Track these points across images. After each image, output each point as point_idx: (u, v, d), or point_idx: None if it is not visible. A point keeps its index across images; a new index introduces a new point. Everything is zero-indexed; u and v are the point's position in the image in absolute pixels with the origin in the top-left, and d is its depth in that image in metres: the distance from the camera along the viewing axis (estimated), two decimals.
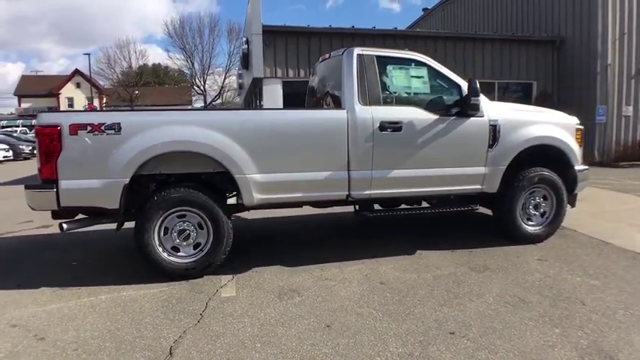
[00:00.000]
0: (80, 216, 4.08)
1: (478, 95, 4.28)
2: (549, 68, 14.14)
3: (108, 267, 4.47)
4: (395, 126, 4.31)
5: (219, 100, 44.21)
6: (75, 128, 3.71)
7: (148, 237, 3.90)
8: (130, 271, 4.21)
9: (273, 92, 12.54)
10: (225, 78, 43.68)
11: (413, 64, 4.55)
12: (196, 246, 4.08)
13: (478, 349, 2.77)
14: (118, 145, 3.76)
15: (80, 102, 48.04)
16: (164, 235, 3.99)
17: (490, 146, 4.62)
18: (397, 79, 4.46)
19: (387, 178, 4.37)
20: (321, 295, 3.67)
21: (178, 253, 4.04)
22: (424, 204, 5.17)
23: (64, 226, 3.85)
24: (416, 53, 4.65)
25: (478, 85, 4.29)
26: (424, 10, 24.94)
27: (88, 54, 62.13)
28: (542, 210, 4.97)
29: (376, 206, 4.81)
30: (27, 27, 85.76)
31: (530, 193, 4.91)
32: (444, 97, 4.54)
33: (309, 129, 4.18)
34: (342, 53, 4.51)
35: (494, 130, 4.61)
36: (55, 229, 4.33)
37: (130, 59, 46.03)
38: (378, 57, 4.45)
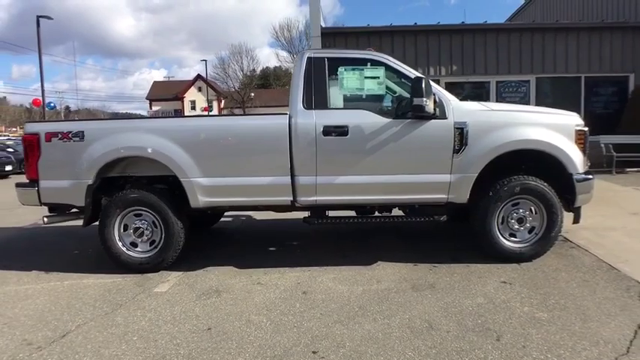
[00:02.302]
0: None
1: (422, 96, 3.87)
2: None
3: (99, 258, 5.02)
4: (340, 130, 4.14)
5: None
6: (49, 136, 4.32)
7: (107, 232, 4.36)
8: (110, 263, 4.70)
9: None
10: None
11: (369, 64, 4.31)
12: (152, 243, 4.44)
13: None
14: (82, 151, 4.29)
15: (201, 105, 53.52)
16: (124, 231, 4.43)
17: (456, 152, 4.16)
18: (349, 80, 4.26)
19: (334, 184, 4.23)
20: (237, 298, 3.74)
21: (136, 249, 4.44)
22: (400, 212, 4.84)
23: (45, 219, 4.52)
24: (375, 52, 4.40)
25: (424, 85, 3.88)
26: None
27: (205, 60, 68.46)
28: (528, 225, 4.31)
29: (352, 213, 4.69)
30: (169, 37, 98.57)
31: (514, 204, 4.30)
32: (401, 99, 4.22)
33: (252, 135, 4.24)
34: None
35: (462, 134, 4.14)
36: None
37: (242, 63, 49.96)
38: (330, 59, 4.32)
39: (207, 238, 5.80)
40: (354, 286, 3.92)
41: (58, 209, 4.64)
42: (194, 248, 5.23)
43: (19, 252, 5.49)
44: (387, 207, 4.70)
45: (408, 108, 4.09)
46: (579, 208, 4.41)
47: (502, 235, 4.32)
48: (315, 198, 4.27)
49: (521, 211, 4.29)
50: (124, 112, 70.16)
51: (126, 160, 4.39)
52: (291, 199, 4.28)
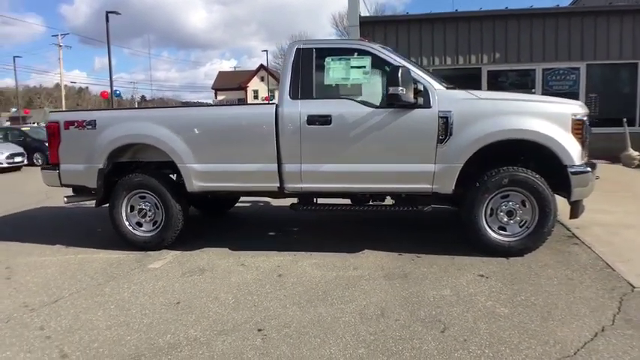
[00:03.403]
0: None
1: (398, 85, 3.81)
2: None
3: (115, 236, 5.44)
4: (323, 119, 4.21)
5: None
6: (67, 124, 4.81)
7: (116, 212, 4.79)
8: (120, 240, 5.16)
9: None
10: None
11: (355, 53, 4.32)
12: (154, 223, 4.81)
13: (276, 346, 2.76)
14: (94, 138, 4.72)
15: (263, 94, 54.98)
16: (130, 212, 4.83)
17: (440, 141, 4.07)
18: (335, 71, 4.30)
19: (318, 172, 4.32)
20: (217, 277, 3.98)
21: (141, 228, 4.83)
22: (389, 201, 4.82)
23: (65, 199, 5.05)
24: (363, 42, 4.39)
25: (401, 74, 3.82)
26: None
27: (266, 50, 69.89)
28: (518, 218, 4.13)
29: (347, 201, 4.76)
30: (240, 28, 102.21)
31: (503, 197, 4.13)
32: (383, 88, 4.19)
33: (241, 123, 4.44)
34: None
35: (446, 123, 4.04)
36: None
37: None
38: (318, 49, 4.38)
39: (218, 222, 6.13)
40: (329, 271, 4.01)
41: (79, 191, 5.16)
42: (200, 230, 5.59)
43: (52, 229, 6.11)
44: (379, 196, 4.70)
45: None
46: (578, 202, 4.15)
47: (490, 228, 4.18)
48: (300, 185, 4.39)
49: (510, 203, 4.12)
50: (195, 100, 74.05)
51: (135, 146, 4.78)
52: (278, 185, 4.43)
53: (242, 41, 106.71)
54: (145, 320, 3.19)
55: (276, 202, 7.11)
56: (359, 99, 4.25)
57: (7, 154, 14.85)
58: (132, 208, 4.83)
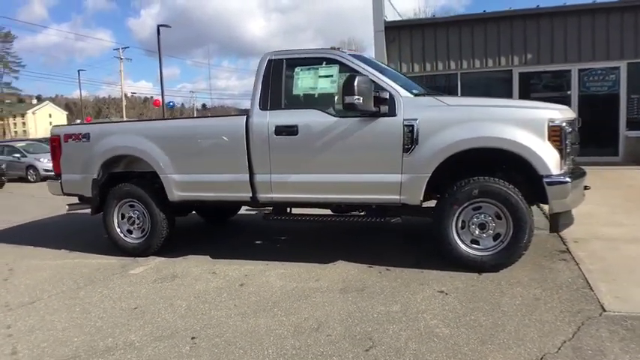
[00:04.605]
0: None
1: (353, 94, 3.73)
2: None
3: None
4: (290, 130, 4.23)
5: None
6: (66, 137, 5.18)
7: (108, 219, 5.08)
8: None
9: None
10: None
11: (324, 62, 4.30)
12: (142, 231, 5.04)
13: (199, 355, 2.82)
14: (89, 150, 5.06)
15: None
16: (121, 219, 5.10)
17: (406, 150, 3.94)
18: (303, 80, 4.32)
19: (287, 182, 4.34)
20: (183, 284, 4.10)
21: (131, 235, 5.09)
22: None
23: (67, 207, 5.43)
24: (332, 51, 4.34)
25: (357, 83, 3.74)
26: None
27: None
28: (491, 231, 3.89)
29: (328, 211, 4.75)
30: (297, 35, 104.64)
31: (475, 208, 3.92)
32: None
33: (214, 134, 4.56)
34: None
35: (411, 132, 3.91)
36: None
37: None
38: (288, 60, 4.41)
39: (217, 230, 6.30)
40: (291, 282, 4.01)
41: (83, 199, 5.53)
42: (194, 238, 5.79)
43: (64, 235, 6.51)
44: (358, 206, 4.62)
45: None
46: (558, 214, 3.84)
47: (462, 242, 3.97)
48: (271, 195, 4.43)
49: (482, 216, 3.90)
50: None
51: (126, 157, 5.05)
52: (251, 195, 4.50)
53: (299, 48, 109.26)
54: (98, 323, 3.36)
55: None
56: (326, 109, 4.22)
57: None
58: (122, 216, 5.10)
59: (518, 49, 10.69)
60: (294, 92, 4.37)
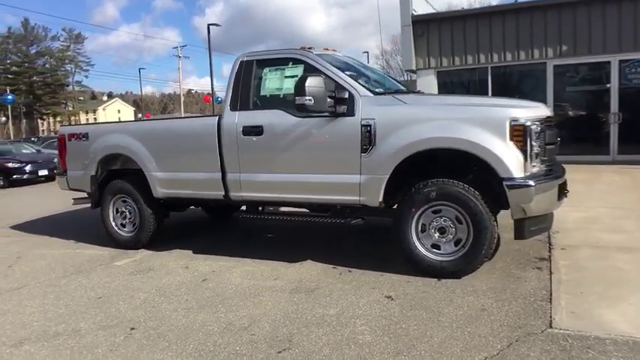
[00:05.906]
0: None
1: (304, 95, 3.70)
2: None
3: None
4: (256, 130, 4.29)
5: None
6: (70, 137, 5.59)
7: (105, 214, 5.44)
8: None
9: (428, 84, 11.94)
10: None
11: (290, 63, 4.31)
12: (134, 225, 5.34)
13: (127, 345, 2.99)
14: (88, 148, 5.43)
15: None
16: (115, 213, 5.44)
17: (364, 151, 3.87)
18: (271, 81, 4.36)
19: (254, 181, 4.42)
20: (153, 277, 4.31)
21: (124, 229, 5.41)
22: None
23: (72, 201, 5.86)
24: (299, 50, 4.32)
25: (307, 83, 3.70)
26: None
27: (367, 52, 69.91)
28: (451, 236, 3.72)
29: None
30: (358, 29, 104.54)
31: (435, 211, 3.76)
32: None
33: (190, 135, 4.74)
34: None
35: (369, 132, 3.83)
36: None
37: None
38: (258, 61, 4.47)
39: (217, 225, 6.52)
40: (250, 280, 4.09)
41: (88, 194, 5.95)
42: (189, 232, 6.04)
43: (77, 227, 6.89)
44: (328, 206, 4.60)
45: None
46: (522, 220, 3.60)
47: (422, 245, 3.84)
48: (241, 194, 4.53)
49: (442, 220, 3.74)
50: None
51: (121, 155, 5.37)
52: (224, 194, 4.62)
53: (360, 42, 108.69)
54: (61, 310, 3.64)
55: (285, 208, 7.31)
56: (290, 109, 4.23)
57: None
58: (117, 211, 5.43)
59: (553, 40, 9.98)
60: (262, 93, 4.43)
